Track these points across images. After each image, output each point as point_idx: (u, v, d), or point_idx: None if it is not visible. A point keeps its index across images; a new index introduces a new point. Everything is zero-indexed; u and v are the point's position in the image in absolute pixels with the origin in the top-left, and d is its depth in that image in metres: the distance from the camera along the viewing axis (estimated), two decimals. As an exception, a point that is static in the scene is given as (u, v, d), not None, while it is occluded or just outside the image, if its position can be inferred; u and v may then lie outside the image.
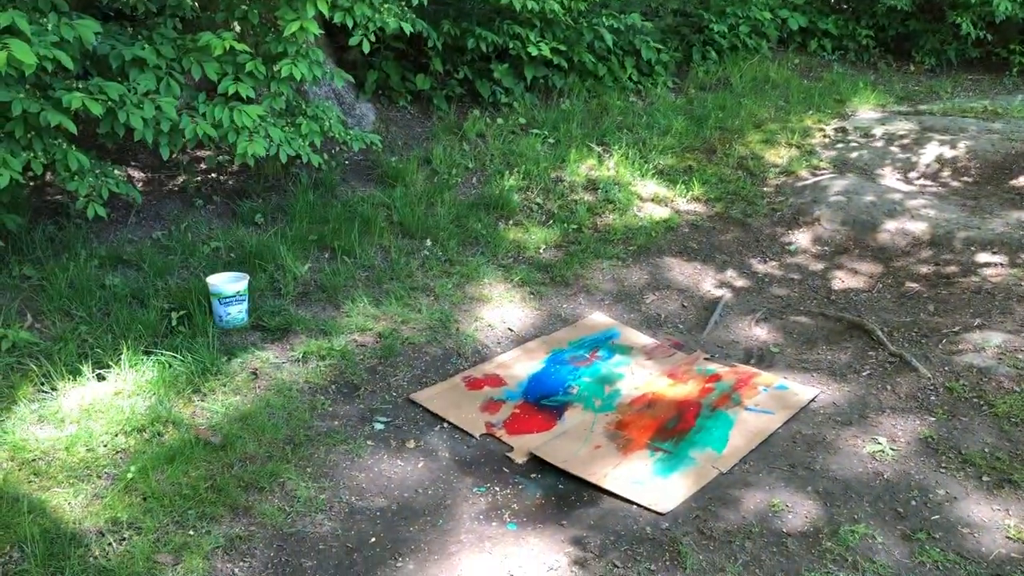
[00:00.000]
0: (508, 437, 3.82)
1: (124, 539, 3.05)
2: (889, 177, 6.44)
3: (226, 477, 3.37)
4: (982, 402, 3.96)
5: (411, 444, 3.74)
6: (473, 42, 6.50)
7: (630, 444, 3.77)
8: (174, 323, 4.26)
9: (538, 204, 5.87)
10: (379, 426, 3.83)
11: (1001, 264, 5.07)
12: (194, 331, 4.22)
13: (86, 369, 3.84)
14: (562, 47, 6.86)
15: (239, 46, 4.58)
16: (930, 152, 6.69)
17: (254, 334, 4.37)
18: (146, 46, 4.46)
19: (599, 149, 6.52)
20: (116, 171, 4.58)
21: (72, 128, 4.07)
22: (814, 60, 9.04)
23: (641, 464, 3.63)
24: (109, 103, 4.17)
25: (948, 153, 6.64)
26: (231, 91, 4.63)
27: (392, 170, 5.86)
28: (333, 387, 4.06)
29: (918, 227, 5.57)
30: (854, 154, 6.76)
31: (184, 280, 4.61)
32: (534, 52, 6.60)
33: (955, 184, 6.26)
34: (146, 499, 3.22)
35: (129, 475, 3.29)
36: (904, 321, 4.71)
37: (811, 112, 7.54)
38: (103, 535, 3.05)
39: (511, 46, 6.65)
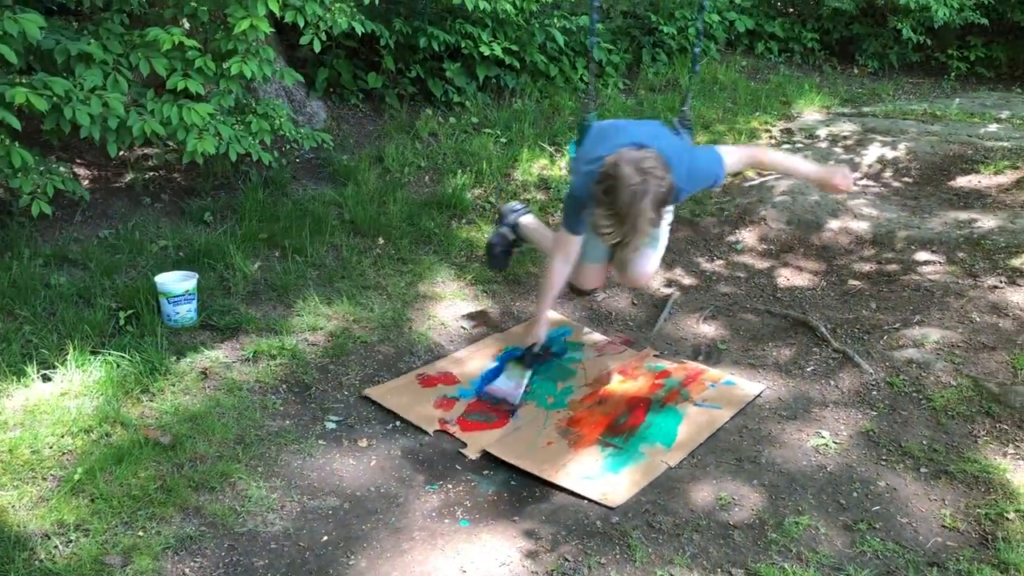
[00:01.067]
0: (461, 434, 3.84)
1: (71, 541, 3.01)
2: (833, 178, 6.59)
3: (176, 478, 3.35)
4: (921, 396, 4.09)
5: (363, 443, 3.74)
6: (425, 41, 6.51)
7: (581, 440, 3.82)
8: (122, 323, 4.21)
9: (491, 203, 5.90)
10: (331, 425, 3.83)
11: (939, 262, 5.23)
12: (142, 331, 4.18)
13: (30, 370, 3.78)
14: (514, 47, 6.90)
15: (188, 41, 4.54)
16: (872, 153, 6.86)
17: (203, 333, 4.33)
18: (92, 41, 4.40)
19: (551, 149, 6.57)
20: (62, 168, 4.51)
21: (15, 124, 4.00)
22: (761, 62, 9.22)
23: (592, 459, 3.68)
24: (54, 99, 4.11)
25: (889, 154, 6.82)
26: (180, 87, 4.58)
27: (344, 168, 5.84)
28: (284, 386, 4.05)
29: (861, 226, 5.71)
30: (799, 155, 6.90)
31: (132, 279, 4.55)
32: (486, 52, 6.64)
33: (896, 184, 6.43)
34: (94, 500, 3.18)
35: (76, 476, 3.24)
36: (847, 318, 4.84)
37: (758, 113, 7.69)
38: (49, 538, 3.01)
39: (463, 45, 6.68)
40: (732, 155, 3.82)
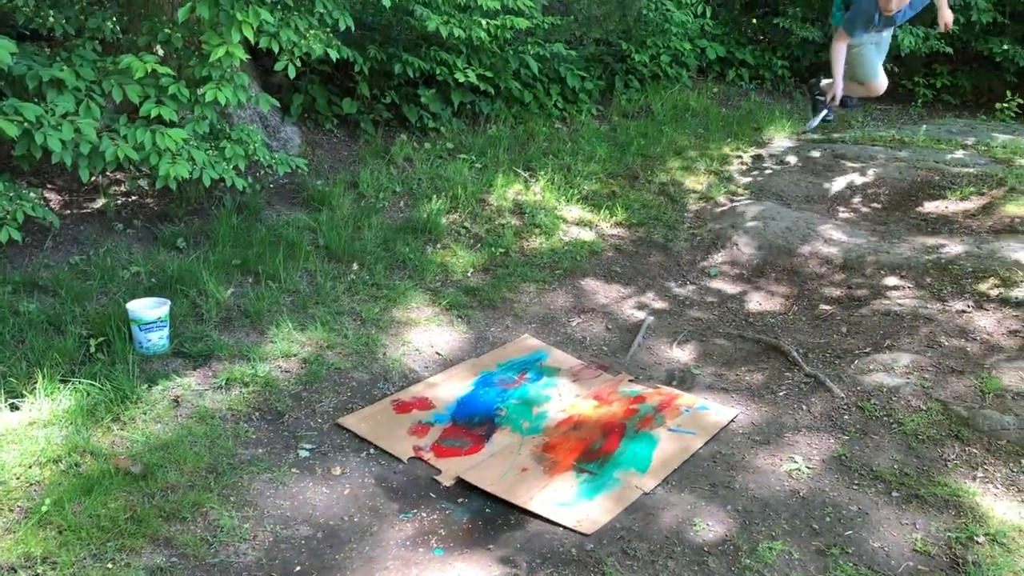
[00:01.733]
0: (436, 460, 3.83)
1: (38, 574, 2.96)
2: (803, 203, 6.68)
3: (146, 508, 3.31)
4: (891, 420, 4.13)
5: (337, 471, 3.72)
6: (400, 67, 6.55)
7: (556, 466, 3.82)
8: (92, 350, 4.17)
9: (465, 228, 5.92)
10: (304, 453, 3.81)
11: (908, 287, 5.30)
12: (113, 358, 4.13)
13: (-2, 398, 3.73)
14: (488, 73, 6.95)
15: (162, 69, 4.53)
16: (842, 179, 6.97)
17: (175, 361, 4.29)
18: (65, 67, 4.38)
19: (525, 174, 6.61)
20: (32, 194, 4.47)
21: (-15, 150, 3.97)
22: (732, 89, 9.34)
23: (567, 486, 3.68)
24: (25, 124, 4.08)
25: (859, 180, 6.92)
26: (153, 114, 4.57)
27: (318, 194, 5.84)
28: (257, 414, 4.02)
29: (831, 251, 5.79)
30: (770, 181, 7.00)
31: (103, 306, 4.51)
32: (461, 78, 6.68)
33: (865, 210, 6.53)
34: (62, 532, 3.13)
35: (44, 508, 3.19)
36: (818, 342, 4.89)
37: (729, 140, 7.78)
38: (15, 571, 2.95)
39: (438, 72, 6.72)
40: None
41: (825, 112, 6.61)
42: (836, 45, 6.10)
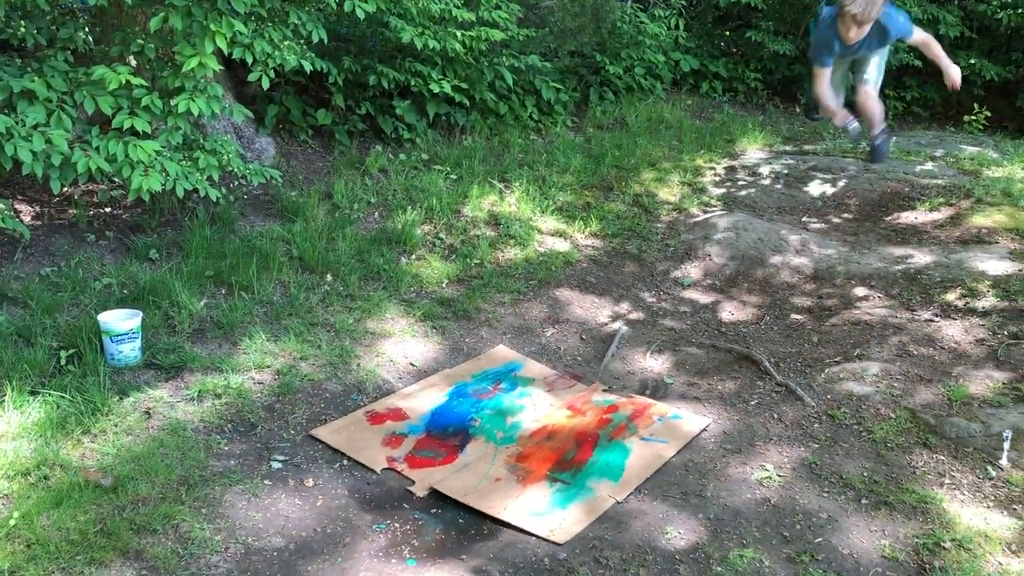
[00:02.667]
0: (410, 471, 3.83)
1: (6, 588, 2.93)
2: (775, 214, 6.75)
3: (117, 520, 3.28)
4: (861, 428, 4.18)
5: (310, 482, 3.71)
6: (375, 79, 6.56)
7: (529, 476, 3.83)
8: (63, 362, 4.14)
9: (440, 239, 5.93)
10: (277, 465, 3.80)
11: (878, 297, 5.37)
12: (84, 370, 4.11)
13: (-34, 411, 3.69)
14: (464, 85, 6.98)
15: (135, 80, 4.52)
16: (813, 190, 7.05)
17: (147, 372, 4.27)
18: (36, 78, 4.36)
19: (501, 185, 6.64)
20: (1, 204, 4.44)
21: (-46, 161, 3.94)
22: (706, 101, 9.43)
23: (540, 495, 3.69)
24: (-5, 136, 4.06)
25: (830, 191, 7.01)
26: (126, 125, 4.55)
27: (292, 204, 5.83)
28: (229, 426, 4.01)
29: (802, 262, 5.85)
30: (743, 192, 7.07)
31: (74, 318, 4.48)
32: (436, 89, 6.70)
33: (836, 220, 6.61)
34: (30, 546, 3.10)
35: (12, 521, 3.16)
36: (789, 352, 4.94)
37: (703, 151, 7.85)
38: (-17, 585, 2.93)
39: (413, 83, 6.74)
40: (918, 30, 6.58)
41: (853, 126, 7.27)
42: (814, 81, 6.76)
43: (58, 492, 3.35)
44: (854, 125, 7.27)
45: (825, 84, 6.74)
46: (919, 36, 6.60)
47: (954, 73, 6.44)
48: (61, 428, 3.72)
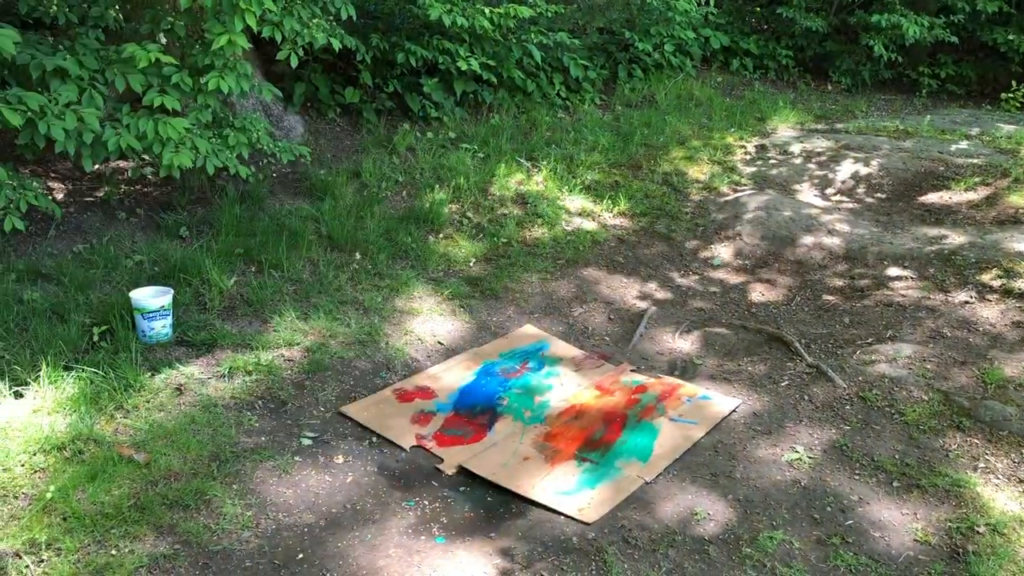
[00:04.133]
0: (438, 449, 3.85)
1: (43, 560, 2.98)
2: (806, 193, 6.67)
3: (150, 495, 3.32)
4: (893, 411, 4.14)
5: (339, 459, 3.73)
6: (403, 56, 6.53)
7: (558, 455, 3.83)
8: (96, 338, 4.18)
9: (468, 218, 5.92)
10: (307, 441, 3.82)
11: (911, 278, 5.30)
12: (116, 347, 4.15)
13: (2, 386, 3.74)
14: (491, 62, 6.94)
15: (165, 58, 4.53)
16: (845, 169, 6.95)
17: (178, 349, 4.31)
18: (68, 56, 4.38)
19: (528, 164, 6.60)
20: (35, 183, 4.47)
21: (-11, 139, 3.97)
22: (736, 79, 9.32)
23: (568, 475, 3.69)
24: (29, 114, 4.08)
25: (862, 170, 6.91)
26: (156, 103, 4.57)
27: (321, 183, 5.84)
28: (260, 402, 4.03)
29: (834, 242, 5.78)
30: (773, 171, 6.99)
31: (106, 294, 4.52)
32: (464, 67, 6.67)
33: (869, 200, 6.51)
34: (66, 519, 3.15)
35: (48, 495, 3.21)
36: (820, 333, 4.89)
37: (733, 129, 7.77)
38: (20, 557, 2.97)
39: (440, 61, 6.71)
40: None
41: None
42: None
43: (92, 467, 3.40)
44: None
45: None
46: None
47: None
48: (95, 403, 3.76)
